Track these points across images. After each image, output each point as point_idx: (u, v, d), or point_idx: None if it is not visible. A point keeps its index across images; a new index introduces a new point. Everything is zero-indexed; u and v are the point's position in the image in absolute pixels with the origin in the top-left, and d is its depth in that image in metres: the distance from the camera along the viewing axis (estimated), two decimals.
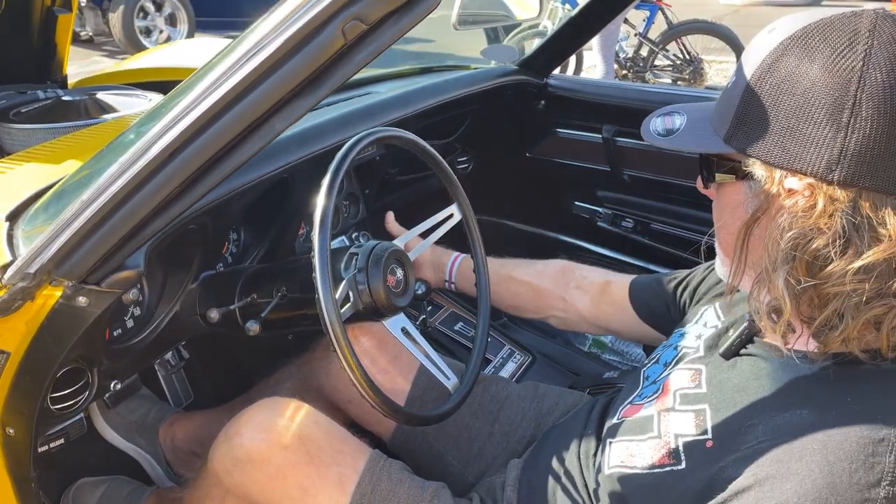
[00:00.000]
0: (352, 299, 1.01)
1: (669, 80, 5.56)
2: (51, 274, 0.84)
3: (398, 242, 1.12)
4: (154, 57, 2.77)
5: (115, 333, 1.17)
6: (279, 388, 1.34)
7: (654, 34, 5.51)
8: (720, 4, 10.81)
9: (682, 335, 0.95)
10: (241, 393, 1.48)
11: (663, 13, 5.44)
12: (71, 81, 2.48)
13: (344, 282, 1.00)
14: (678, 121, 0.79)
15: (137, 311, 1.21)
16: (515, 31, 4.89)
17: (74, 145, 1.35)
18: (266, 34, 0.69)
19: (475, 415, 1.15)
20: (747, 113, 0.69)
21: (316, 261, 0.90)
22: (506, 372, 1.48)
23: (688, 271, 1.11)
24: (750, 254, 0.73)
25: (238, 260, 1.42)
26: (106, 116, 1.87)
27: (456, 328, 1.58)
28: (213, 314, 1.09)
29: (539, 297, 1.25)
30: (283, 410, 0.98)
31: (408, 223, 1.52)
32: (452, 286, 1.34)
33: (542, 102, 1.94)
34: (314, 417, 0.99)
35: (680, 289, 1.09)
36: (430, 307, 1.63)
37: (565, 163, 1.99)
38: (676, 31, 5.39)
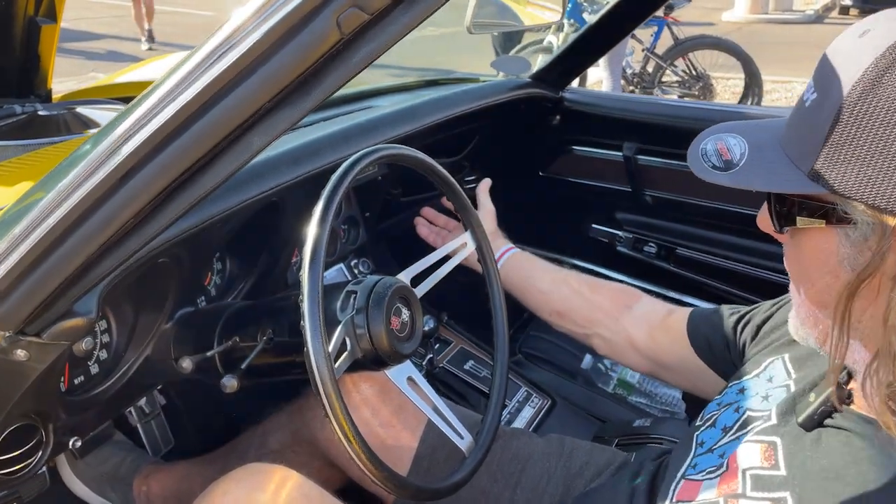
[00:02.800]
0: (349, 346, 0.86)
1: (677, 97, 5.44)
2: None
3: (403, 277, 0.96)
4: (146, 70, 2.63)
5: (76, 381, 1.01)
6: (268, 439, 1.18)
7: (660, 50, 5.40)
8: (723, 22, 10.75)
9: (743, 391, 0.79)
10: (227, 440, 1.32)
11: (670, 29, 5.33)
12: (57, 96, 2.34)
13: (340, 326, 0.85)
14: (737, 149, 0.62)
15: (104, 355, 1.05)
16: (521, 45, 4.79)
17: (39, 164, 1.20)
18: (242, 25, 0.54)
19: (494, 477, 0.99)
20: (844, 142, 0.53)
21: (305, 304, 0.74)
22: (523, 419, 1.32)
23: (750, 307, 0.95)
24: (853, 320, 0.57)
25: (224, 292, 1.26)
26: (88, 132, 1.73)
27: (466, 367, 1.42)
28: (186, 363, 0.93)
29: (590, 309, 1.12)
30: (265, 483, 0.82)
31: (412, 249, 1.37)
32: None
33: (558, 118, 1.80)
34: (304, 489, 0.83)
35: (741, 325, 0.93)
36: (437, 344, 1.48)
37: (582, 183, 1.85)
38: (684, 47, 5.28)
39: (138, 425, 1.37)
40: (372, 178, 1.43)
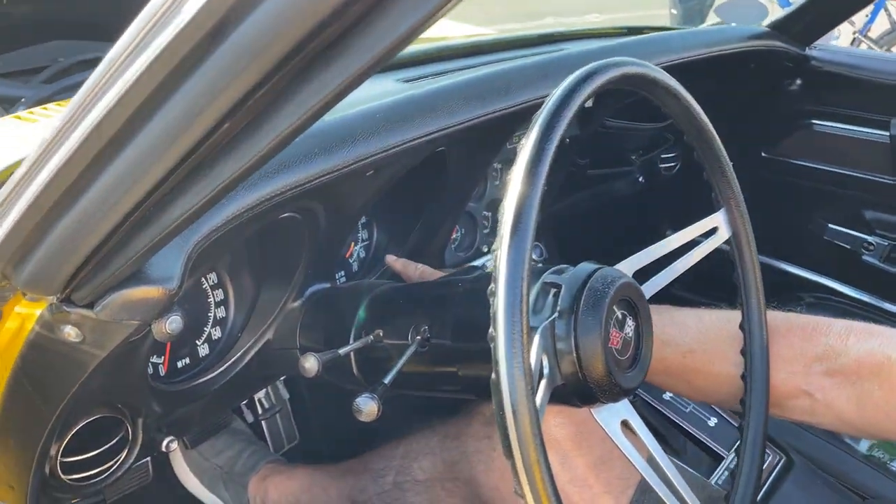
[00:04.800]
0: (546, 369, 0.55)
1: None
2: (10, 276, 0.45)
3: (625, 267, 0.64)
4: None
5: (179, 364, 0.79)
6: (412, 465, 0.91)
7: (874, 34, 4.61)
8: None
9: None
10: (360, 449, 1.07)
11: (887, 11, 4.53)
12: None
13: (536, 336, 0.55)
14: None
15: (217, 334, 0.83)
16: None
17: None
18: None
19: None
20: None
21: (500, 299, 0.45)
22: None
23: None
24: None
25: (368, 270, 1.01)
26: None
27: (666, 397, 1.07)
28: (310, 364, 0.66)
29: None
30: None
31: (592, 236, 1.04)
32: None
33: (798, 81, 1.38)
34: None
35: None
36: None
37: (821, 169, 1.42)
38: None
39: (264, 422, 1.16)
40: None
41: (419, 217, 0.96)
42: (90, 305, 0.45)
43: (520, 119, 0.85)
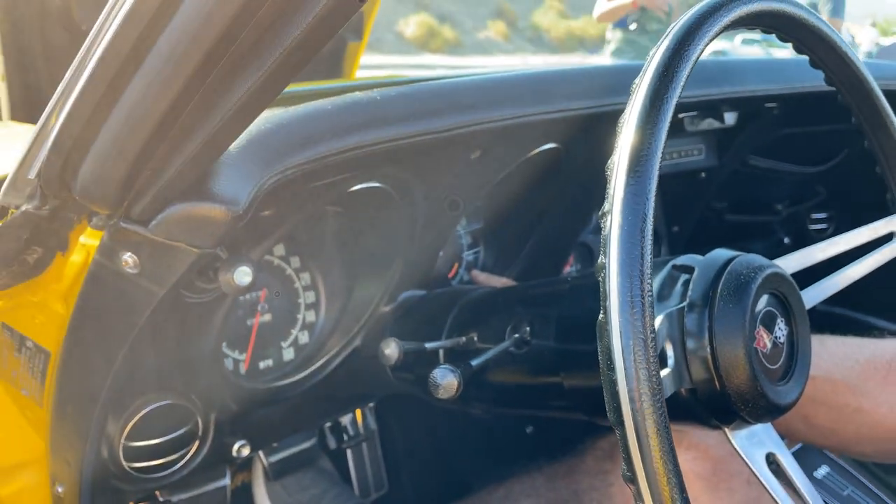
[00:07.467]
0: (671, 363, 0.44)
1: None
2: (71, 191, 0.42)
3: (781, 264, 0.52)
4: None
5: (261, 365, 0.74)
6: None
7: None
8: None
9: None
10: (453, 501, 0.95)
11: None
12: None
13: (659, 321, 0.44)
14: None
15: (304, 338, 0.77)
16: None
17: None
18: None
19: None
20: None
21: (612, 265, 0.36)
22: None
23: None
24: None
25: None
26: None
27: (819, 475, 0.88)
28: (390, 350, 0.58)
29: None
30: None
31: None
32: None
33: None
34: None
35: None
36: None
37: None
38: None
39: (347, 450, 1.07)
40: (690, 172, 1.01)
41: (530, 237, 0.88)
42: (145, 222, 0.40)
43: None
